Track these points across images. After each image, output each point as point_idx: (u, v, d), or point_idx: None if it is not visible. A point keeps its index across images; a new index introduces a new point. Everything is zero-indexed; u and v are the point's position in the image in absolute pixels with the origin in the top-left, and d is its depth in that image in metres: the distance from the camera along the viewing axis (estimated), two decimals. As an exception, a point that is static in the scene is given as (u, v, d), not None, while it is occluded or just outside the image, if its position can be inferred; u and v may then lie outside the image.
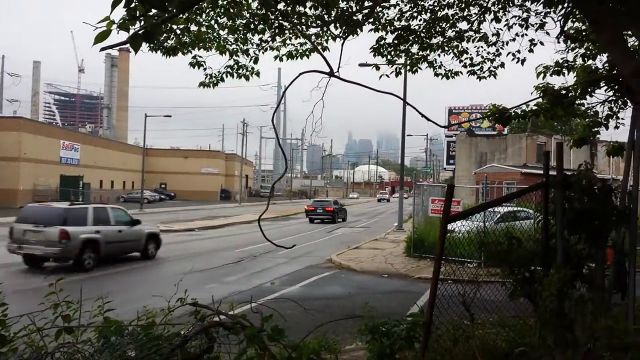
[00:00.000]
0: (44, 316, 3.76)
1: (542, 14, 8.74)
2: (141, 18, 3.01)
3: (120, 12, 3.02)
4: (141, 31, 2.95)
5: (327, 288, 13.03)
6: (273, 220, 41.76)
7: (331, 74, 3.57)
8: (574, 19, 8.75)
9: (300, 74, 3.59)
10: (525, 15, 9.02)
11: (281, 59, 9.99)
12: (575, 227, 4.63)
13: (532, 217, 15.48)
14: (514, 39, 9.33)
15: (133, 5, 2.91)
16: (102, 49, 3.05)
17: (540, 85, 9.08)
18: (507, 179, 37.04)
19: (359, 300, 11.33)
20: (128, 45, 3.02)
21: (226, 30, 9.61)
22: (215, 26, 9.50)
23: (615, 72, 7.36)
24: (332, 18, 9.06)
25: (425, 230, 18.11)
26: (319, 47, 9.92)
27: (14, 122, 49.22)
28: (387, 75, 9.58)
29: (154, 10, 3.03)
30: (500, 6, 9.06)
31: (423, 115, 5.19)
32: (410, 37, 9.94)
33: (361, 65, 19.52)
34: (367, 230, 31.85)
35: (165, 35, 8.73)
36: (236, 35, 9.74)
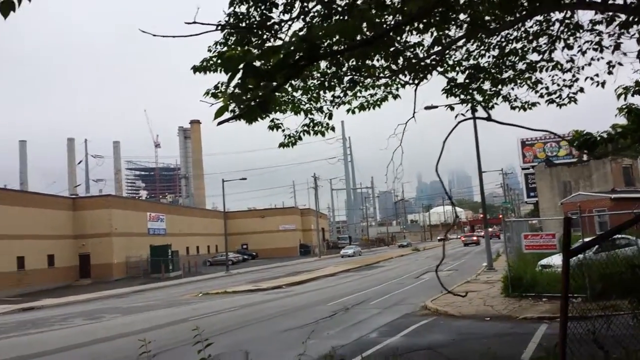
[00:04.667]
0: None
1: (616, 35, 8.57)
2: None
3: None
4: (254, 102, 3.25)
5: (430, 336, 12.57)
6: (356, 270, 41.50)
7: (489, 119, 3.71)
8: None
9: (459, 122, 3.75)
10: (597, 39, 8.86)
11: (353, 112, 10.27)
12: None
13: (633, 243, 14.50)
14: (589, 64, 9.12)
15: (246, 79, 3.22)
16: (220, 124, 3.36)
17: (624, 107, 8.81)
18: (596, 206, 35.16)
19: (466, 346, 10.94)
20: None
21: (300, 91, 10.08)
22: (289, 89, 9.98)
23: None
24: (400, 67, 9.30)
25: (520, 268, 17.32)
26: (391, 95, 10.19)
27: (104, 200, 52.58)
28: (463, 114, 9.61)
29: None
30: (569, 33, 8.97)
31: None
32: (481, 75, 9.99)
33: (427, 108, 19.52)
34: (456, 273, 30.85)
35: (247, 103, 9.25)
36: (309, 95, 10.18)
